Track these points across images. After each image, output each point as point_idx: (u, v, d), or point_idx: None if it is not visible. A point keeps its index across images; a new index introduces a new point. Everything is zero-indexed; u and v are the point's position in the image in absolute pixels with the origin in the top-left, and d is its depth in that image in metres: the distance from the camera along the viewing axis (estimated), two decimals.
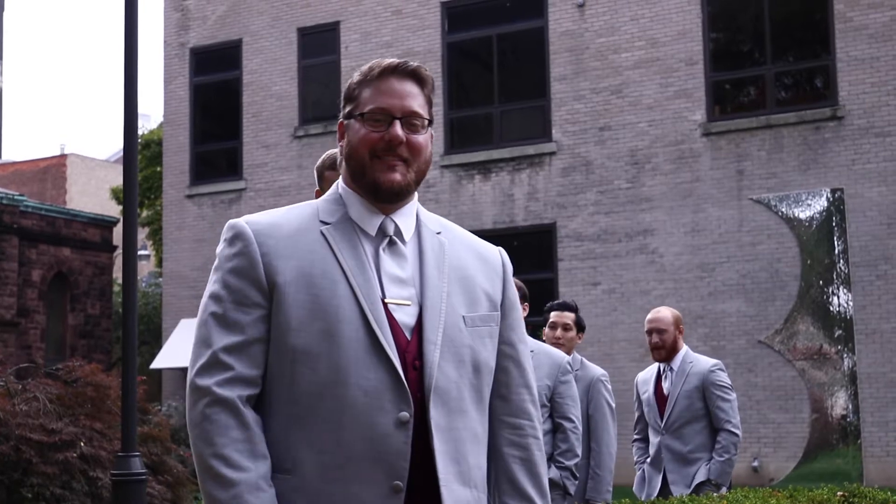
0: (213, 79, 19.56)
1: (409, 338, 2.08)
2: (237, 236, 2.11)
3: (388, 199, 2.15)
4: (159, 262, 26.90)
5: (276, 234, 2.10)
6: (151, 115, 42.60)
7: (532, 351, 3.40)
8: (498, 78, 17.20)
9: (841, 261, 14.57)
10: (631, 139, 16.00)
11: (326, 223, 2.14)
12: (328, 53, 18.36)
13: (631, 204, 15.87)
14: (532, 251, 16.53)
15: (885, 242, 14.37)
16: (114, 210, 31.39)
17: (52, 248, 24.23)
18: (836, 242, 14.62)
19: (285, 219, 2.15)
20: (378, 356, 2.03)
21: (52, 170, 36.56)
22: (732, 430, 6.00)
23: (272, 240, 2.09)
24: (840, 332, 14.50)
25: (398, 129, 2.13)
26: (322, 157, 3.67)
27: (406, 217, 2.19)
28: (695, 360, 6.19)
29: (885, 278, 14.33)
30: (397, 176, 2.13)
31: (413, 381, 2.05)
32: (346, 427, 2.00)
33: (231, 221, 2.14)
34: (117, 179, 32.91)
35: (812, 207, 14.80)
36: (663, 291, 15.33)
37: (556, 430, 5.36)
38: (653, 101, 15.89)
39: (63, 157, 37.29)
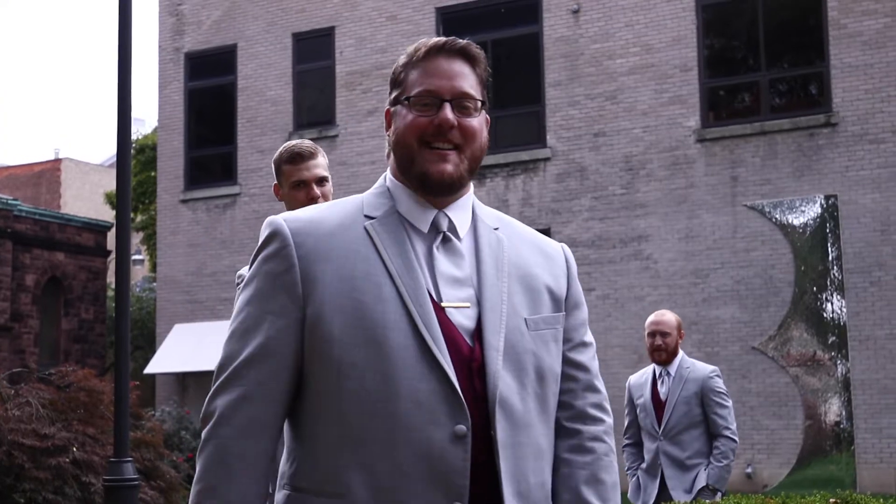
0: (208, 83, 19.54)
1: (471, 344, 1.91)
2: (273, 235, 1.94)
3: (437, 192, 1.96)
4: (153, 267, 26.86)
5: (315, 231, 1.92)
6: (146, 119, 42.56)
7: None
8: (493, 84, 17.19)
9: (835, 267, 14.58)
10: (625, 145, 16.01)
11: (371, 217, 1.96)
12: (323, 59, 18.36)
13: (625, 210, 15.87)
14: None
15: (878, 249, 14.39)
16: (108, 215, 31.33)
17: (46, 253, 24.18)
18: (829, 249, 14.63)
19: (327, 214, 1.97)
20: (429, 364, 1.85)
21: (47, 174, 36.48)
22: (731, 436, 6.00)
23: (311, 238, 1.91)
24: (834, 338, 14.51)
25: (448, 112, 1.94)
26: (279, 150, 3.67)
27: (461, 211, 2.00)
28: (692, 365, 6.16)
29: (879, 285, 14.34)
30: (449, 167, 1.94)
31: (477, 392, 1.88)
32: (400, 444, 1.83)
33: (269, 218, 1.97)
34: (112, 184, 32.85)
35: (806, 214, 14.82)
36: (657, 297, 15.33)
37: None
38: (647, 108, 15.90)
39: (57, 161, 37.21)
